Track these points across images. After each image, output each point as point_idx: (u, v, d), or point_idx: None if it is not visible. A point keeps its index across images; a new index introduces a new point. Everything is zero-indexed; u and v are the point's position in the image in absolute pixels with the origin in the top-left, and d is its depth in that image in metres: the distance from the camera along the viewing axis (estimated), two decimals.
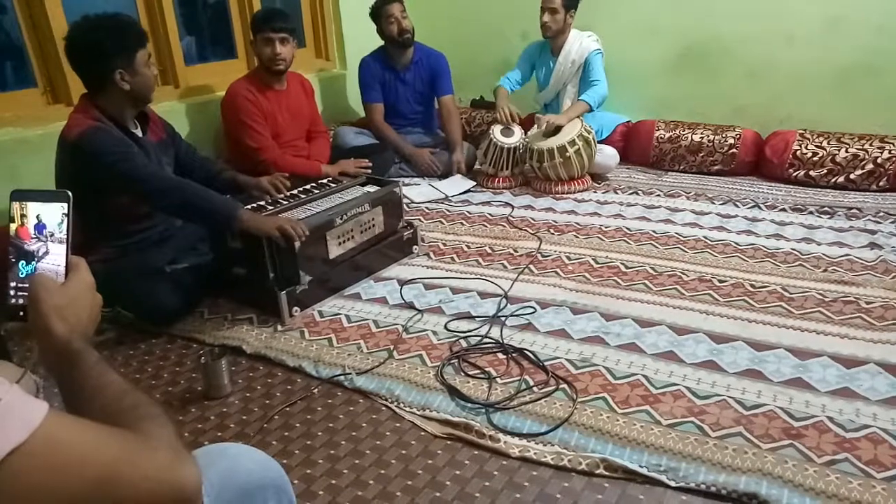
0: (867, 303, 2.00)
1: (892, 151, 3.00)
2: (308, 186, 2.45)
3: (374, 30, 3.46)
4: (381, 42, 3.50)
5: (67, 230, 0.78)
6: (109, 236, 2.10)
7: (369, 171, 3.02)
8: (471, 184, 3.34)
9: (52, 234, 0.79)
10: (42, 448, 0.55)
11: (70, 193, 0.78)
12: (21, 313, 0.76)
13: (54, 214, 0.79)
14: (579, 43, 3.38)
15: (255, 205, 2.22)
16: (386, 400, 1.66)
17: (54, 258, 0.78)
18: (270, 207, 2.22)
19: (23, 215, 0.79)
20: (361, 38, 3.70)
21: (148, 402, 0.71)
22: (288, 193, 2.37)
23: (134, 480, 0.60)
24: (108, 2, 3.05)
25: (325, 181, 2.53)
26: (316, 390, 1.72)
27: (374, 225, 2.34)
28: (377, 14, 3.40)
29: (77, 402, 0.70)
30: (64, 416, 0.59)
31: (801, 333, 1.86)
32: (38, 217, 0.79)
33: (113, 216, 2.08)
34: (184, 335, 2.03)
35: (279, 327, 2.02)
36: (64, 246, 0.78)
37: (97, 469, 0.58)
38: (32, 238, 0.79)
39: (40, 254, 0.78)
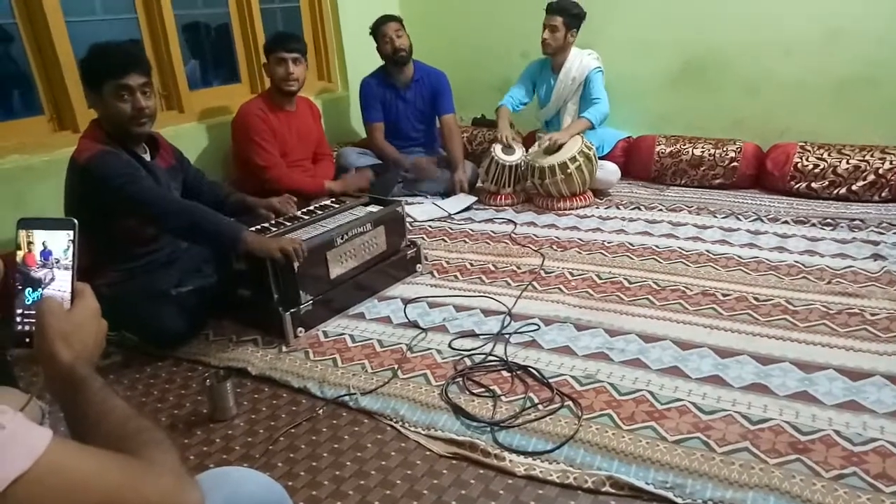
0: (872, 314, 2.00)
1: (894, 162, 3.01)
2: (312, 207, 2.47)
3: (374, 52, 3.50)
4: (381, 62, 3.55)
5: (73, 257, 0.80)
6: (117, 259, 2.12)
7: (371, 176, 3.05)
8: (472, 199, 3.36)
9: (57, 261, 0.80)
10: (46, 475, 0.55)
11: (76, 221, 0.80)
12: (27, 340, 0.77)
13: (60, 242, 0.80)
14: (580, 61, 3.41)
15: (259, 226, 2.24)
16: (391, 420, 1.66)
17: (60, 285, 0.80)
18: (274, 229, 2.24)
19: (29, 242, 0.80)
20: (363, 60, 3.74)
21: (152, 427, 0.72)
22: (295, 213, 2.40)
23: None
24: (114, 29, 3.12)
25: (328, 202, 2.56)
26: (321, 411, 1.72)
27: (376, 244, 2.36)
28: (374, 33, 3.46)
29: (81, 428, 0.71)
30: (67, 442, 0.60)
31: (807, 346, 1.85)
32: (44, 244, 0.80)
33: (121, 239, 2.10)
34: (189, 358, 2.04)
35: (284, 348, 2.03)
36: (70, 273, 0.80)
37: (101, 495, 0.59)
38: (38, 265, 0.80)
39: (46, 280, 0.80)
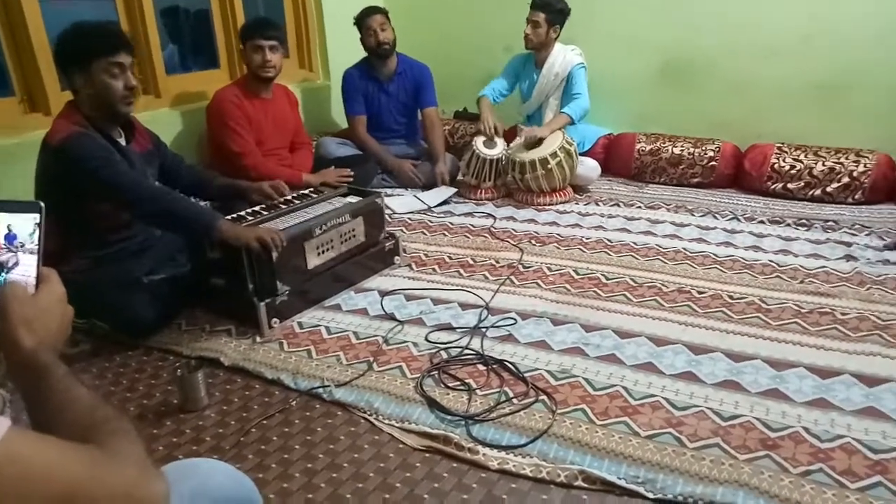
0: (843, 314, 2.03)
1: (868, 165, 3.06)
2: (290, 197, 2.44)
3: (357, 42, 3.48)
4: (364, 53, 3.52)
5: (39, 241, 0.77)
6: (88, 245, 2.08)
7: (351, 180, 3.02)
8: (452, 191, 3.35)
9: (22, 245, 0.78)
10: (3, 465, 0.54)
11: (42, 204, 0.78)
12: None
13: (26, 225, 0.78)
14: (563, 56, 3.42)
15: (235, 215, 2.21)
16: (365, 412, 1.65)
17: (25, 269, 0.77)
18: (251, 218, 2.21)
19: None
20: (345, 50, 3.71)
21: (117, 416, 0.70)
22: (287, 196, 2.39)
23: (100, 497, 0.59)
24: (89, 11, 3.05)
25: (306, 191, 2.53)
26: (294, 403, 1.70)
27: (355, 235, 2.34)
28: (359, 24, 3.43)
29: (44, 417, 0.69)
30: (27, 433, 0.58)
31: (779, 344, 1.88)
32: (8, 227, 0.78)
33: (93, 223, 2.06)
34: (160, 347, 2.00)
35: (258, 339, 2.00)
36: (35, 257, 0.77)
37: (62, 486, 0.57)
38: (3, 248, 0.77)
39: (10, 265, 0.77)
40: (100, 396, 0.73)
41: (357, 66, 3.55)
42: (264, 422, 1.62)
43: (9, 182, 2.35)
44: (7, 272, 0.77)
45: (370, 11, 3.41)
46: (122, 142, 2.09)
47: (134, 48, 2.04)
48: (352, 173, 3.10)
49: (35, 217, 0.77)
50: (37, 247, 0.77)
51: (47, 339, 0.73)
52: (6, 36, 2.49)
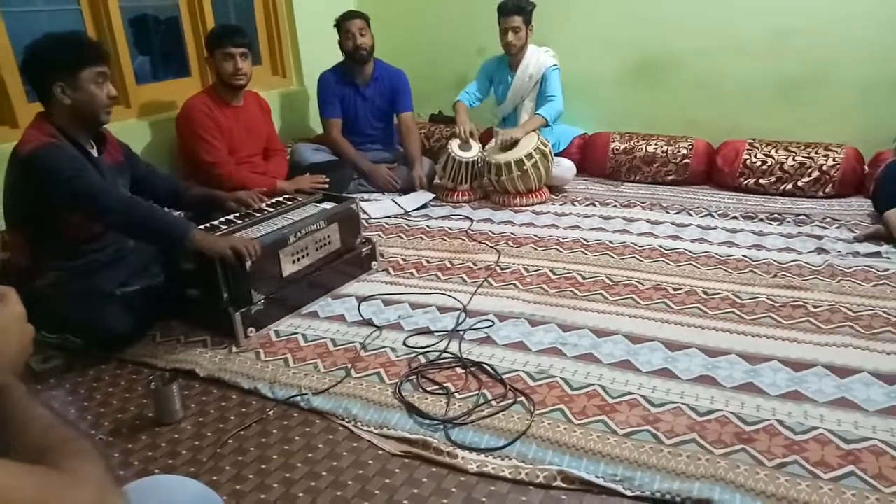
0: (815, 307, 2.06)
1: (837, 159, 3.12)
2: (264, 204, 2.43)
3: (331, 47, 3.47)
4: (339, 57, 3.51)
5: None
6: (60, 256, 2.04)
7: (326, 186, 3.01)
8: (430, 196, 3.35)
9: None
10: None
11: None
12: None
13: None
14: (537, 58, 3.43)
15: (208, 224, 2.19)
16: (343, 420, 1.64)
17: None
18: (224, 227, 2.19)
19: None
20: (318, 55, 3.69)
21: (77, 437, 0.69)
22: (261, 206, 2.39)
23: None
24: (55, 23, 3.01)
25: (281, 198, 2.52)
26: (271, 412, 1.69)
27: (330, 242, 2.33)
28: (338, 27, 3.42)
29: (2, 439, 0.68)
30: None
31: (753, 339, 1.90)
32: None
33: (64, 235, 2.03)
34: (134, 360, 1.97)
35: (234, 349, 1.98)
36: None
37: None
38: None
39: None
40: (60, 416, 0.71)
41: (333, 69, 3.54)
42: (241, 432, 1.61)
43: None
44: None
45: (351, 15, 3.40)
46: (94, 153, 2.07)
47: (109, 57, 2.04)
48: (327, 179, 3.08)
49: None
50: None
51: (6, 360, 0.71)
52: None
